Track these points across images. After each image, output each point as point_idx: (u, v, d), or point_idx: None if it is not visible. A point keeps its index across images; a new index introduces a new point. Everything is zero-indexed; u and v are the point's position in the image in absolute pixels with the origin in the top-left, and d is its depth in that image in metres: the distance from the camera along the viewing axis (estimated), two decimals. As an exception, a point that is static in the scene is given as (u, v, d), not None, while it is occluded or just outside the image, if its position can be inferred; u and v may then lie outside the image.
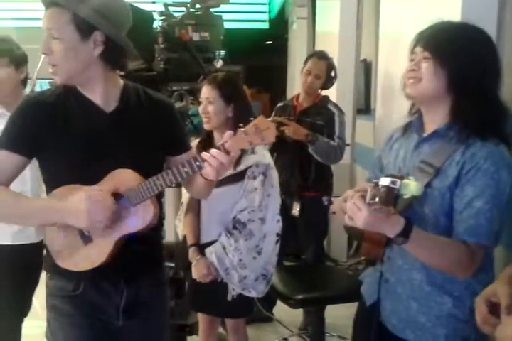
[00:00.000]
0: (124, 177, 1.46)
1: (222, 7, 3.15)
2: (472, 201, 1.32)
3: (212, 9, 3.08)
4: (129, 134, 1.52)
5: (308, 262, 3.27)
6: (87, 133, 1.49)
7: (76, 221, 1.41)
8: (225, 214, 2.18)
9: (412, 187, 1.29)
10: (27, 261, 2.22)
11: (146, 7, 3.06)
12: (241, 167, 2.16)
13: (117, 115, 1.53)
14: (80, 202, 1.37)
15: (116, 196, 1.45)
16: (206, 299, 2.27)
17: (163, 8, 2.97)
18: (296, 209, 3.06)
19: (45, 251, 1.60)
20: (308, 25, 6.81)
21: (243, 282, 2.16)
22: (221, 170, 1.38)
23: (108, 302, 1.55)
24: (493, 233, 1.35)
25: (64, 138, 1.47)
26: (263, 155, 2.21)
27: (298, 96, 3.32)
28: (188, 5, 3.00)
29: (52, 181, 1.52)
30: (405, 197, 1.30)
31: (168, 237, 2.80)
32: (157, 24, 2.86)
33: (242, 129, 1.35)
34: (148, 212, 1.46)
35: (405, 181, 1.27)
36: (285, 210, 2.37)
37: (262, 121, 1.35)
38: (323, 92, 3.30)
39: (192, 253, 2.25)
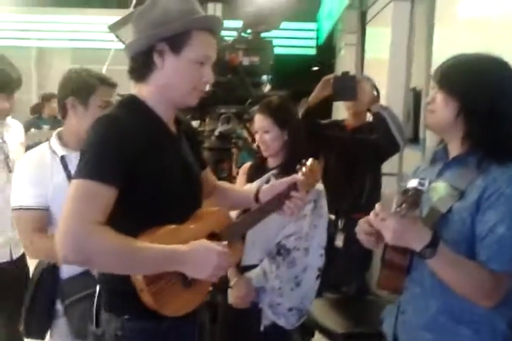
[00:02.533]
0: (217, 218, 1.51)
1: (272, 33, 3.17)
2: (495, 227, 1.29)
3: (262, 34, 3.10)
4: (192, 159, 1.51)
5: (350, 295, 3.16)
6: (175, 159, 1.42)
7: (197, 273, 1.32)
8: (270, 238, 2.11)
9: (440, 188, 1.34)
10: (6, 279, 2.21)
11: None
12: None
13: (179, 139, 1.48)
14: (209, 257, 1.31)
15: (213, 235, 1.45)
16: (238, 328, 2.18)
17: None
18: (340, 241, 2.95)
19: (122, 290, 1.39)
20: (357, 52, 6.79)
21: (276, 308, 2.08)
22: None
23: (188, 332, 1.47)
24: None
25: (159, 163, 1.35)
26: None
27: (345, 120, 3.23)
28: (239, 29, 3.03)
29: (140, 216, 1.33)
30: (433, 199, 1.36)
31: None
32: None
33: (303, 172, 1.56)
34: (238, 250, 1.54)
35: (433, 184, 1.34)
36: (328, 240, 2.29)
37: (314, 163, 1.58)
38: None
39: (231, 273, 2.16)
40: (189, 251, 1.30)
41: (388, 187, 3.79)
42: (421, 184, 1.26)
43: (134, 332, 1.39)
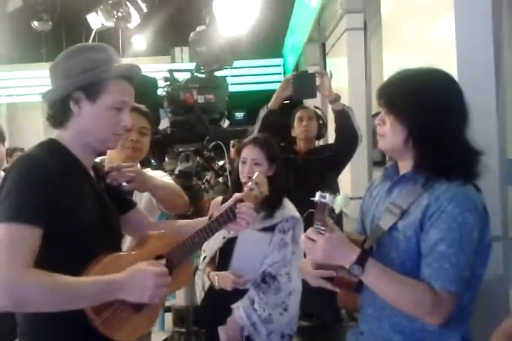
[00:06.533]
0: (162, 241, 1.51)
1: (240, 70, 3.22)
2: (436, 244, 1.28)
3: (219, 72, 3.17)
4: (109, 202, 1.51)
5: (325, 322, 3.10)
6: (93, 197, 1.43)
7: (137, 298, 1.33)
8: (255, 267, 2.14)
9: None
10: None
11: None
12: (275, 220, 2.15)
13: (97, 181, 1.50)
14: (145, 279, 1.32)
15: (158, 259, 1.48)
16: None
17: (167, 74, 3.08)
18: None
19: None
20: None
21: (270, 337, 2.10)
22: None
23: None
24: (460, 279, 1.27)
25: (77, 203, 1.36)
26: (294, 210, 2.21)
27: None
28: (193, 70, 3.10)
29: (71, 253, 1.33)
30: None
31: (179, 301, 2.72)
32: (163, 89, 2.95)
33: (249, 186, 1.56)
34: (185, 273, 1.54)
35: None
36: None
37: (259, 176, 1.61)
38: None
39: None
40: (125, 277, 1.31)
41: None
42: (322, 197, 1.29)
43: None
